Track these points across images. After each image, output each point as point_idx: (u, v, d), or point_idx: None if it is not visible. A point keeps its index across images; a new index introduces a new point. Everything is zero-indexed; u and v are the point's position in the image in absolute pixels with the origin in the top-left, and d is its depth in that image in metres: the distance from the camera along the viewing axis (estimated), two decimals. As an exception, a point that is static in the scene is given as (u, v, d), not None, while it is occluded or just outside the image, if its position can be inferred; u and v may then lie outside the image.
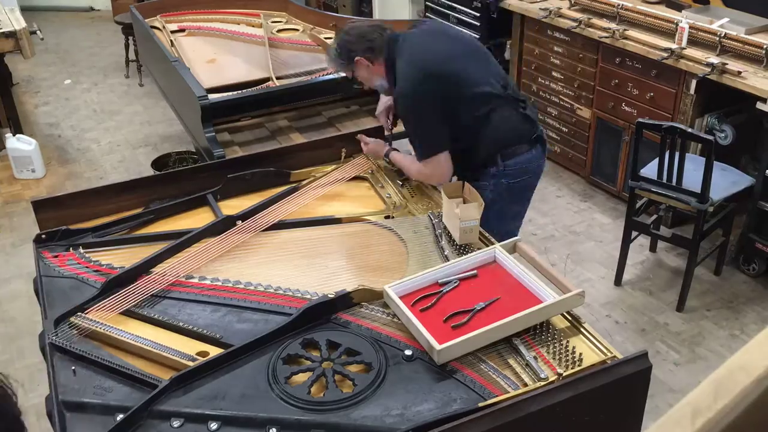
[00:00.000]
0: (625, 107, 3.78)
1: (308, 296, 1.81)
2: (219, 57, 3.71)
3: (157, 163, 4.12)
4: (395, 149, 2.46)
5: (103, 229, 2.13)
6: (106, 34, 7.25)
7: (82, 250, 2.03)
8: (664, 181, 3.05)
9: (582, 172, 4.27)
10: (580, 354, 1.59)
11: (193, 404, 1.50)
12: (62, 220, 2.12)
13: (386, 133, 2.60)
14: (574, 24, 3.89)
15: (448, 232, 2.05)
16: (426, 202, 2.26)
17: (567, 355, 1.59)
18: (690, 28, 3.41)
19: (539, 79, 4.35)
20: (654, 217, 3.46)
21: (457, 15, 4.77)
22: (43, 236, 2.07)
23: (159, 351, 1.64)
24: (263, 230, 2.11)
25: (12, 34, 4.33)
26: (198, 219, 2.19)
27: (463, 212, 1.97)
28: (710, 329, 3.12)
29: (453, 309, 1.72)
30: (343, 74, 3.33)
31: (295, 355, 1.62)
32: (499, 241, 1.96)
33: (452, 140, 2.30)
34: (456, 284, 1.80)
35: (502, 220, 2.38)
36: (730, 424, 0.53)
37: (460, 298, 1.76)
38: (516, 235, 2.51)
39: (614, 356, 1.58)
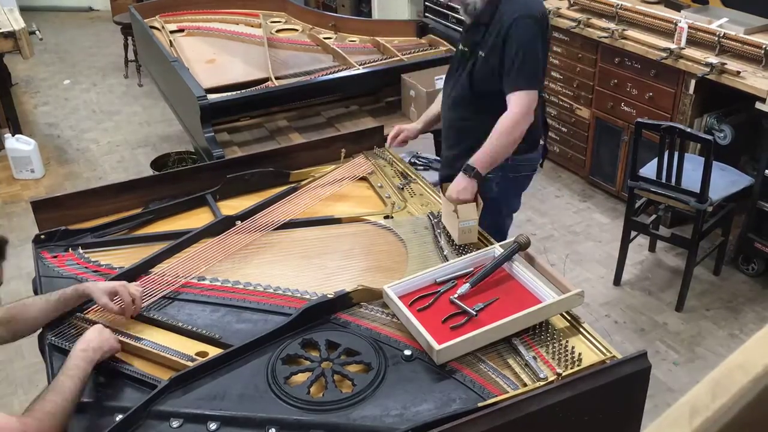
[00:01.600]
0: (624, 107, 3.78)
1: (307, 296, 1.81)
2: (218, 57, 3.71)
3: (156, 164, 4.12)
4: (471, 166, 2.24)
5: (103, 230, 2.13)
6: (105, 34, 7.25)
7: (81, 251, 2.03)
8: (663, 181, 3.05)
9: (581, 172, 4.27)
10: (580, 354, 1.59)
11: (193, 404, 1.50)
12: (61, 221, 2.12)
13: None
14: (573, 24, 3.89)
15: (448, 232, 2.05)
16: (425, 203, 2.26)
17: (566, 355, 1.59)
18: (689, 28, 3.41)
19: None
20: (653, 216, 3.46)
21: (456, 15, 4.78)
22: (43, 237, 2.07)
23: (158, 351, 1.64)
24: (262, 230, 2.11)
25: (11, 35, 4.33)
26: (197, 219, 2.19)
27: (461, 212, 1.97)
28: (709, 329, 3.12)
29: (452, 309, 1.72)
30: (343, 74, 3.35)
31: (294, 355, 1.62)
32: (492, 237, 1.99)
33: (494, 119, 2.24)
34: (454, 284, 1.81)
35: (499, 215, 2.42)
36: (728, 423, 0.53)
37: (459, 298, 1.76)
38: (507, 232, 2.55)
39: (613, 356, 1.58)
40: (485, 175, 2.25)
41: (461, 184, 2.21)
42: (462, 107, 2.37)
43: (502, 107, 2.23)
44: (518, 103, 2.21)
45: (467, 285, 1.76)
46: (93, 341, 1.55)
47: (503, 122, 2.22)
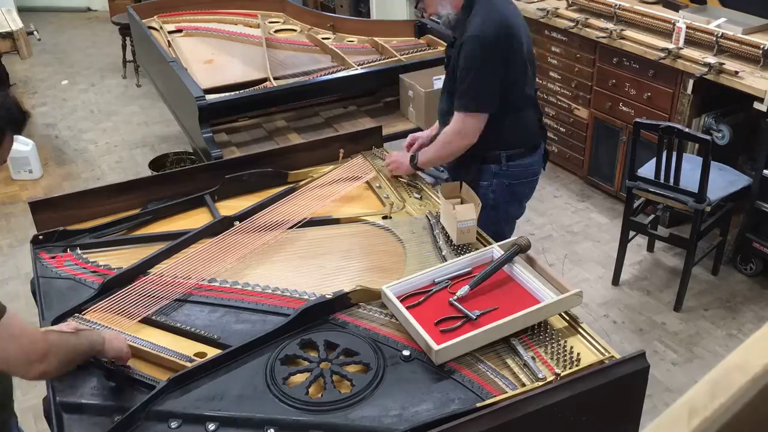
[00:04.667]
0: (623, 107, 3.78)
1: (306, 297, 1.81)
2: (216, 57, 3.71)
3: (154, 164, 4.12)
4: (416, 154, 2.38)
5: (101, 230, 2.13)
6: (103, 34, 7.24)
7: (79, 251, 2.03)
8: (662, 181, 3.05)
9: (579, 172, 4.28)
10: (578, 354, 1.59)
11: (191, 405, 1.50)
12: (60, 221, 2.12)
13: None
14: (572, 24, 3.89)
15: (446, 232, 2.05)
16: (424, 203, 2.26)
17: (565, 355, 1.59)
18: (687, 28, 3.42)
19: (537, 79, 4.35)
20: (651, 216, 3.46)
21: (454, 15, 4.77)
22: (41, 237, 2.07)
23: (157, 352, 1.63)
24: (261, 231, 2.11)
25: (9, 35, 4.33)
26: (196, 220, 2.19)
27: (460, 213, 1.97)
28: (708, 329, 3.13)
29: (449, 311, 1.72)
30: (341, 74, 3.35)
31: (293, 355, 1.62)
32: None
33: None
34: (448, 284, 1.80)
35: (497, 222, 2.38)
36: (726, 423, 0.53)
37: (459, 301, 1.75)
38: (507, 238, 2.51)
39: (612, 356, 1.58)
40: (480, 182, 2.29)
41: (400, 162, 2.36)
42: (450, 114, 2.36)
43: (493, 122, 2.26)
44: (454, 124, 2.29)
45: (466, 287, 1.76)
46: (115, 340, 1.55)
47: (442, 135, 2.33)
